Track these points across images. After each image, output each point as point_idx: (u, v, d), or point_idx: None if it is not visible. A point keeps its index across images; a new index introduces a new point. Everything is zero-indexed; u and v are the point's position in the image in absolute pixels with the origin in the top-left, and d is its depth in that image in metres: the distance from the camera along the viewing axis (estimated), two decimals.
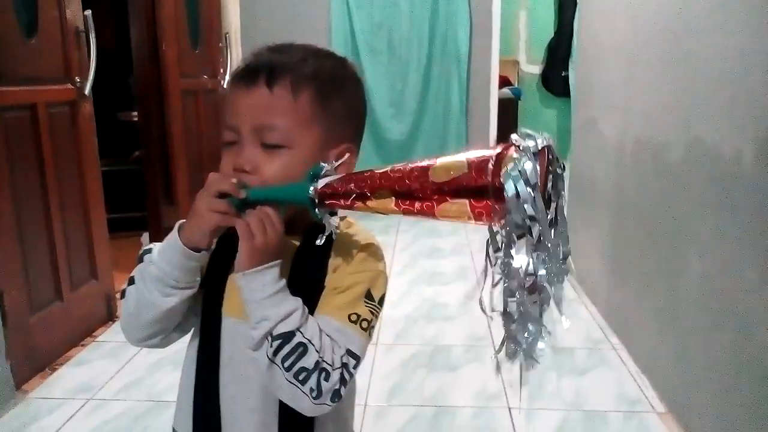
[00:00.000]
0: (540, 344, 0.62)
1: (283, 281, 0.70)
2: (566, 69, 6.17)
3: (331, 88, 0.75)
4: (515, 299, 0.60)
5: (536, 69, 6.59)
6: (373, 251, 0.79)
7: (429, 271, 3.14)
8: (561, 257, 0.66)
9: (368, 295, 0.75)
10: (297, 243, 0.77)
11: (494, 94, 4.59)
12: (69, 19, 2.18)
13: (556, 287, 0.64)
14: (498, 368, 0.65)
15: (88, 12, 2.24)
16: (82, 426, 1.78)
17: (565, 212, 0.68)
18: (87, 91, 2.25)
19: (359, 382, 1.99)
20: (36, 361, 2.06)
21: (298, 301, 0.70)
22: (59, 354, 2.18)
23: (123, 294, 0.77)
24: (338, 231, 0.72)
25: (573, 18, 5.36)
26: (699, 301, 1.66)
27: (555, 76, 6.36)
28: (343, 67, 0.80)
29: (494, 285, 0.62)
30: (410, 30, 4.43)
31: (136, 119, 3.48)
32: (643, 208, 2.10)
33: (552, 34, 6.40)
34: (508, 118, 5.17)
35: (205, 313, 0.79)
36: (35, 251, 2.05)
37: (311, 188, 0.69)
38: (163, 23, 2.96)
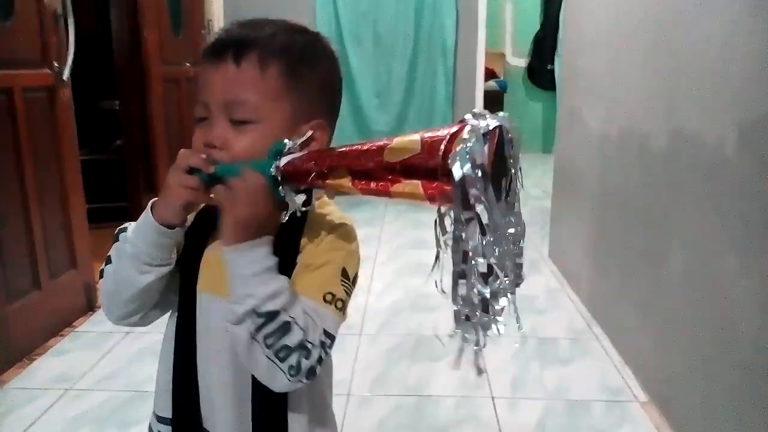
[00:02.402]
0: (492, 328, 0.61)
1: (275, 259, 0.70)
2: (552, 62, 6.20)
3: (301, 62, 0.74)
4: (464, 282, 0.59)
5: (522, 62, 6.61)
6: (346, 230, 0.78)
7: (413, 262, 3.13)
8: (513, 241, 0.64)
9: (344, 273, 0.74)
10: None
11: (480, 86, 4.58)
12: (46, 1, 2.13)
13: (512, 273, 0.63)
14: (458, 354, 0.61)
15: None
16: (60, 416, 1.75)
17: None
18: (65, 76, 2.21)
19: (342, 372, 1.99)
20: (14, 351, 2.02)
21: (285, 279, 0.70)
22: (38, 344, 2.14)
23: (101, 274, 0.77)
24: (304, 209, 0.70)
25: (559, 11, 5.38)
26: (681, 290, 1.67)
27: (541, 69, 6.39)
28: (315, 41, 0.78)
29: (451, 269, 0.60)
30: (396, 20, 4.41)
31: (117, 108, 3.43)
32: (626, 197, 2.11)
33: (538, 27, 6.42)
34: (494, 111, 5.15)
35: (182, 289, 0.79)
36: (12, 239, 2.01)
37: (273, 165, 0.68)
38: (144, 8, 2.92)
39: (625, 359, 2.07)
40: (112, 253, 0.76)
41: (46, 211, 2.16)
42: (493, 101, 5.25)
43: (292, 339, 0.67)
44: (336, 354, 0.80)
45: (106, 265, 0.77)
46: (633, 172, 2.05)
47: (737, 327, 1.39)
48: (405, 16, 4.42)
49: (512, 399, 1.86)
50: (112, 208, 3.44)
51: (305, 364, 0.68)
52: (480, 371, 0.61)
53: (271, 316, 0.67)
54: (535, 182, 4.45)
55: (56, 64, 2.19)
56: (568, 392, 1.90)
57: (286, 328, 0.67)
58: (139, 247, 0.73)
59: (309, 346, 0.68)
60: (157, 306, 0.80)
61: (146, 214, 0.72)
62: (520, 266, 0.65)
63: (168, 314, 0.83)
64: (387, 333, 2.32)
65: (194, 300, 0.78)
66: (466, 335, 0.60)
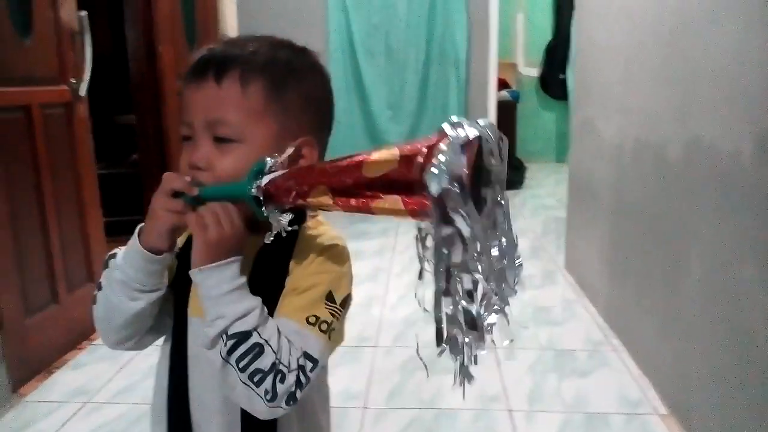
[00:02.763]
0: (481, 346, 0.59)
1: (243, 279, 0.68)
2: (564, 72, 6.20)
3: (285, 78, 0.72)
4: (449, 299, 0.57)
5: (534, 72, 6.60)
6: (337, 252, 0.76)
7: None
8: (504, 255, 0.62)
9: (329, 297, 0.72)
10: (260, 244, 0.74)
11: (492, 97, 4.59)
12: (64, 19, 2.17)
13: (506, 284, 0.62)
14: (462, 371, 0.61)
15: (84, 13, 2.22)
16: (78, 429, 1.76)
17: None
18: (83, 92, 2.24)
19: (358, 384, 1.98)
20: (32, 364, 2.04)
21: (257, 300, 0.68)
22: (56, 357, 2.16)
23: (94, 300, 0.76)
24: (290, 228, 0.68)
25: (570, 21, 5.39)
26: (700, 301, 1.65)
27: (553, 79, 6.38)
28: (300, 56, 0.76)
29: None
30: (407, 32, 4.44)
31: (133, 123, 3.46)
32: (642, 207, 2.09)
33: (550, 37, 6.42)
34: (507, 121, 5.17)
35: (175, 314, 0.78)
36: (30, 254, 2.03)
37: (254, 185, 0.67)
38: (159, 24, 2.95)
39: (644, 371, 2.05)
40: (102, 280, 0.75)
41: (63, 224, 2.19)
42: (506, 111, 5.25)
43: (264, 362, 0.65)
44: (351, 366, 0.80)
45: (97, 291, 0.76)
46: (648, 181, 2.04)
47: (757, 336, 1.37)
48: (417, 28, 4.44)
49: (530, 412, 1.85)
50: (129, 221, 3.46)
51: (281, 388, 0.66)
52: (469, 382, 0.60)
53: (242, 337, 0.66)
54: (549, 192, 4.43)
55: (73, 81, 2.22)
56: (587, 405, 1.88)
57: (258, 350, 0.65)
58: (128, 273, 0.71)
59: (283, 369, 0.66)
60: (152, 330, 0.79)
61: (134, 240, 0.71)
62: (513, 279, 0.63)
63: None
64: (402, 345, 2.31)
65: (186, 324, 0.76)
66: (452, 354, 0.58)
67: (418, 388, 1.98)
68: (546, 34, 6.41)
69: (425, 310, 0.59)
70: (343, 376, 2.00)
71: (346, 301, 0.74)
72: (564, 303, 2.69)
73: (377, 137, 4.48)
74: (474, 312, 0.57)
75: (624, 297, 2.30)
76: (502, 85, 5.85)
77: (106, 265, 0.75)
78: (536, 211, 4.36)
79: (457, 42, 4.44)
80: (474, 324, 0.57)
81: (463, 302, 0.57)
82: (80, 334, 2.29)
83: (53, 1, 2.12)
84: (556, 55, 6.27)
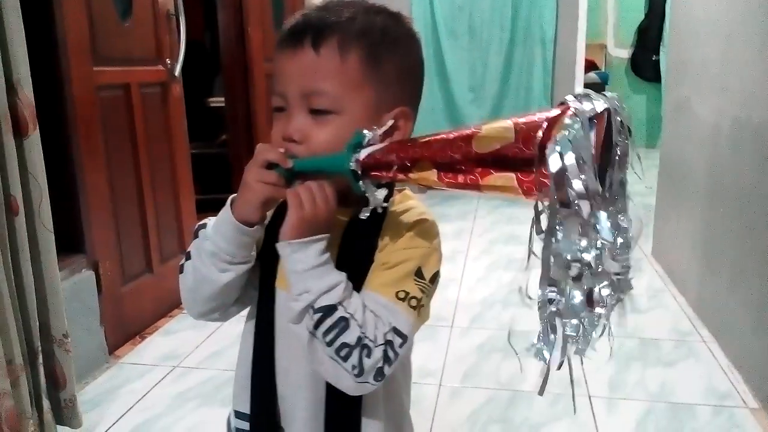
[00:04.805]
0: (587, 341, 0.54)
1: (327, 255, 0.67)
2: (657, 53, 5.91)
3: (383, 47, 0.69)
4: (554, 290, 0.52)
5: (625, 53, 6.34)
6: (426, 227, 0.74)
7: (506, 257, 3.08)
8: (621, 243, 0.55)
9: (418, 273, 0.70)
10: (349, 216, 0.72)
11: (580, 78, 4.43)
12: (160, 2, 2.27)
13: (621, 280, 0.55)
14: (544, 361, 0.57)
15: None
16: (168, 391, 1.87)
17: (635, 189, 0.58)
18: (177, 72, 2.34)
19: (434, 363, 1.99)
20: (127, 329, 2.18)
21: (341, 275, 0.67)
22: (149, 323, 2.29)
23: (181, 269, 0.76)
24: (385, 204, 0.67)
25: None
26: None
27: (645, 60, 6.11)
28: (395, 23, 0.73)
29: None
30: (492, 12, 4.35)
31: (223, 105, 3.59)
32: (739, 193, 1.98)
33: (642, 16, 6.14)
34: None
35: (261, 286, 0.77)
36: (128, 225, 2.16)
37: (352, 159, 0.64)
38: (249, 7, 3.04)
39: (735, 363, 1.95)
40: (191, 249, 0.74)
41: (158, 198, 2.31)
42: None
43: (350, 336, 0.64)
44: (427, 344, 0.79)
45: (185, 260, 0.75)
46: (747, 164, 1.92)
47: None
48: (502, 9, 4.34)
49: (611, 399, 1.80)
50: (218, 199, 3.60)
51: (368, 363, 0.64)
52: (542, 392, 0.56)
53: (327, 311, 0.65)
54: (637, 178, 4.24)
55: (168, 61, 2.33)
56: (671, 395, 1.81)
57: (343, 324, 0.65)
58: (218, 244, 0.70)
59: (369, 343, 0.65)
60: (238, 301, 0.78)
61: (225, 211, 0.70)
62: (627, 271, 0.56)
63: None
64: (478, 327, 2.30)
65: (273, 297, 0.76)
66: (550, 347, 0.55)
67: (496, 368, 1.97)
68: (638, 13, 6.12)
69: (529, 298, 0.55)
70: (419, 354, 2.00)
71: (434, 278, 0.72)
72: (650, 291, 2.59)
73: (457, 120, 4.42)
74: (584, 304, 0.53)
75: (716, 287, 2.19)
76: (590, 66, 5.66)
77: (195, 235, 0.74)
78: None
79: (545, 21, 4.30)
80: (581, 317, 0.53)
81: (574, 293, 0.52)
82: (171, 303, 2.42)
83: None
84: (649, 35, 5.99)
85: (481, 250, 3.23)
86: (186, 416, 1.73)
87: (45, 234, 1.51)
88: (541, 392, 0.56)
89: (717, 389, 1.84)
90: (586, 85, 4.66)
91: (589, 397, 1.80)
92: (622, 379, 1.90)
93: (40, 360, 1.50)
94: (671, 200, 2.79)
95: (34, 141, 1.47)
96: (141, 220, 2.23)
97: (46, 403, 1.52)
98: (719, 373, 1.92)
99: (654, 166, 3.10)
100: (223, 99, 3.57)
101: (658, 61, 5.84)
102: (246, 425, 0.81)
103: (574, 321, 0.53)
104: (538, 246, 0.55)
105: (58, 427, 1.60)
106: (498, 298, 2.55)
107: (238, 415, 0.82)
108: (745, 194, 1.93)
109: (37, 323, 1.49)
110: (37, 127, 1.48)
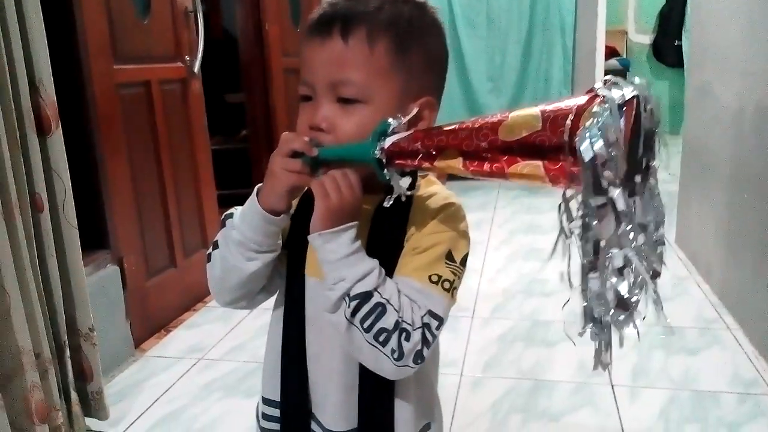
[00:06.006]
0: (627, 327, 0.55)
1: (359, 242, 0.68)
2: (679, 38, 5.80)
3: (410, 36, 0.70)
4: (595, 276, 0.53)
5: (646, 39, 6.24)
6: (453, 211, 0.75)
7: (527, 247, 3.07)
8: (653, 231, 0.56)
9: (449, 256, 0.71)
10: (375, 204, 0.73)
11: (600, 65, 4.38)
12: (179, 0, 2.30)
13: (655, 261, 0.56)
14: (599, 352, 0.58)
15: None
16: (193, 382, 1.90)
17: (659, 177, 0.58)
18: (196, 69, 2.36)
19: (454, 353, 1.99)
20: (152, 322, 2.21)
21: (374, 262, 0.68)
22: (173, 317, 2.33)
23: (209, 258, 0.77)
24: (408, 193, 0.68)
25: None
26: None
27: (667, 46, 6.01)
28: (422, 12, 0.73)
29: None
30: (510, 1, 4.31)
31: (243, 101, 3.61)
32: (763, 177, 1.94)
33: (663, 1, 6.04)
34: None
35: (289, 274, 0.78)
36: (151, 220, 2.19)
37: (377, 147, 0.65)
38: (266, 3, 3.05)
39: (761, 350, 1.92)
40: (219, 238, 0.75)
41: (180, 193, 2.34)
42: None
43: (388, 321, 0.65)
44: (447, 335, 0.80)
45: (213, 249, 0.76)
46: None
47: None
48: None
49: (633, 387, 1.79)
50: (239, 194, 3.63)
51: (407, 346, 0.65)
52: (605, 368, 0.57)
53: (364, 297, 0.66)
54: (661, 165, 4.18)
55: (187, 58, 2.35)
56: (695, 382, 1.80)
57: (380, 309, 0.65)
58: (245, 234, 0.71)
59: (407, 327, 0.66)
60: (264, 289, 0.79)
61: (252, 201, 0.71)
62: (660, 257, 0.58)
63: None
64: (500, 316, 2.30)
65: (302, 284, 0.77)
66: (596, 333, 0.55)
67: (516, 358, 1.97)
68: None
69: (571, 284, 0.55)
70: (440, 344, 2.02)
71: (464, 260, 0.73)
72: (673, 279, 2.56)
73: (476, 111, 4.40)
74: (625, 291, 0.53)
75: (741, 274, 2.16)
76: (611, 53, 5.58)
77: (222, 224, 0.75)
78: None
79: (564, 8, 4.25)
80: (623, 303, 0.54)
81: (613, 280, 0.53)
82: (195, 297, 2.46)
83: None
84: (671, 20, 5.88)
85: (501, 240, 3.22)
86: (211, 407, 1.76)
87: (69, 230, 1.54)
88: (603, 367, 0.58)
89: (742, 377, 1.81)
90: (608, 72, 4.60)
91: (612, 386, 1.79)
92: (645, 368, 1.89)
93: (68, 353, 1.54)
94: (694, 187, 2.75)
95: (56, 139, 1.50)
96: (164, 216, 2.26)
97: (74, 396, 1.55)
98: (744, 361, 1.90)
99: (677, 153, 3.06)
100: (241, 95, 3.60)
101: (680, 46, 5.74)
102: (276, 412, 0.82)
103: (617, 306, 0.54)
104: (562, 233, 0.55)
105: (86, 418, 1.63)
106: (519, 288, 2.55)
107: (267, 402, 0.84)
108: None
109: (64, 318, 1.53)
110: (60, 125, 1.51)
